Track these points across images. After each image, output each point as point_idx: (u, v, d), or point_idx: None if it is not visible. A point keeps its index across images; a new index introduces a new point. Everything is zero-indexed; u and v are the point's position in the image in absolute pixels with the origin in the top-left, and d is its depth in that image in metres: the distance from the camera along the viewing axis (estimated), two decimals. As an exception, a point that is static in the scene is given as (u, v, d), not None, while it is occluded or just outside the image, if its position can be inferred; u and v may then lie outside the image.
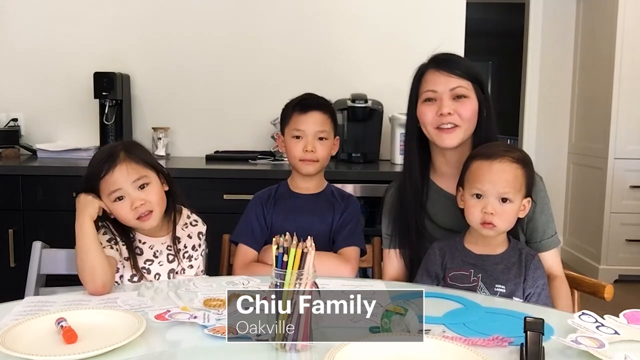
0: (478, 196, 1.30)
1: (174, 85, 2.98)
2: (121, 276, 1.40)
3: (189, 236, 1.48)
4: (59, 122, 3.00)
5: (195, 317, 1.08)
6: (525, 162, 1.34)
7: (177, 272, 1.45)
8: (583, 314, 1.05)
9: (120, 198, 1.35)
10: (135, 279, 1.40)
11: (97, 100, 2.83)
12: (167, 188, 1.44)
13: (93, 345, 0.92)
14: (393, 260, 1.53)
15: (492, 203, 1.29)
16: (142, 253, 1.42)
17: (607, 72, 3.82)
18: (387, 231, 1.55)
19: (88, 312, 1.08)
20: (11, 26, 2.96)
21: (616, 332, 1.01)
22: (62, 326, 0.99)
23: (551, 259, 1.43)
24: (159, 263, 1.43)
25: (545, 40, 4.47)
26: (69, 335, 0.96)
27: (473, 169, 1.33)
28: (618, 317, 1.07)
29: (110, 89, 2.78)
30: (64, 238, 1.43)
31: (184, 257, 1.46)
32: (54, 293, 1.36)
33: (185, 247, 1.46)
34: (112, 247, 1.37)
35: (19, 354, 0.89)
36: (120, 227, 1.41)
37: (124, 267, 1.40)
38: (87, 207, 1.31)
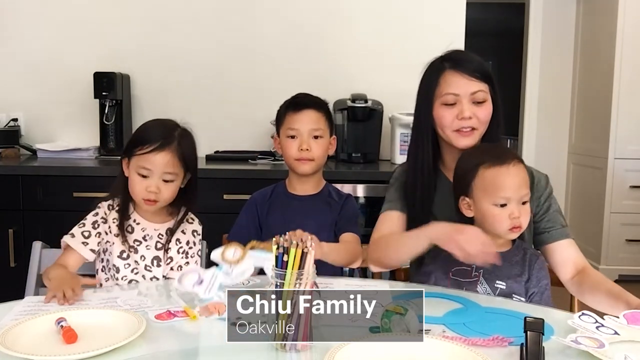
0: (502, 205, 1.29)
1: (174, 86, 2.98)
2: (110, 253, 1.44)
3: (183, 232, 1.50)
4: (59, 122, 3.00)
5: (201, 282, 1.08)
6: (521, 157, 1.36)
7: (162, 261, 1.46)
8: (583, 314, 1.05)
9: (144, 176, 1.41)
10: (125, 255, 1.44)
11: (97, 100, 2.83)
12: (182, 185, 1.49)
13: (93, 345, 0.92)
14: (394, 220, 1.46)
15: (517, 208, 1.29)
16: (132, 231, 1.46)
17: (607, 72, 3.82)
18: (393, 199, 1.49)
19: (88, 312, 1.08)
20: (11, 26, 2.96)
21: (616, 333, 1.01)
22: (62, 326, 0.99)
23: (571, 248, 1.41)
24: (146, 247, 1.46)
25: (545, 40, 4.47)
26: (69, 335, 0.96)
27: (488, 177, 1.30)
28: (618, 317, 1.07)
29: (110, 89, 2.77)
30: (64, 238, 1.43)
31: (178, 252, 1.48)
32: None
33: (179, 241, 1.49)
34: (87, 237, 1.42)
35: (19, 354, 0.89)
36: (127, 198, 1.47)
37: (113, 244, 1.44)
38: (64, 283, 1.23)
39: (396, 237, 1.40)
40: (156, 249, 1.47)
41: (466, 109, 1.39)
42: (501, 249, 1.34)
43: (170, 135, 1.44)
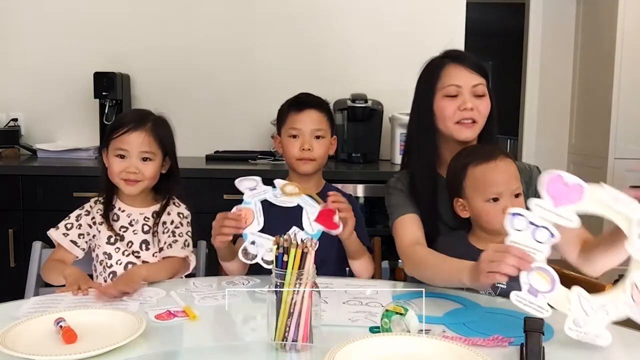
0: (495, 200, 1.30)
1: (174, 85, 2.98)
2: (98, 246, 1.48)
3: (168, 213, 1.52)
4: (59, 122, 3.00)
5: (253, 190, 1.35)
6: (509, 154, 1.36)
7: (151, 244, 1.48)
8: (514, 215, 1.02)
9: (122, 156, 1.45)
10: (113, 239, 1.46)
11: (97, 100, 2.83)
12: (164, 171, 1.53)
13: (92, 345, 0.92)
14: (414, 222, 1.42)
15: (510, 201, 1.29)
16: (118, 219, 1.49)
17: (607, 72, 3.82)
18: (400, 204, 1.46)
19: (88, 312, 1.09)
20: (11, 26, 2.96)
21: (552, 235, 1.01)
22: (61, 326, 0.99)
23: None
24: (133, 231, 1.49)
25: (545, 40, 4.47)
26: (69, 335, 0.96)
27: (477, 175, 1.32)
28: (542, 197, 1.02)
29: (110, 89, 2.77)
30: (64, 238, 1.44)
31: (164, 232, 1.50)
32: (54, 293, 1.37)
33: (164, 224, 1.51)
34: (69, 229, 1.48)
35: (19, 354, 0.89)
36: (110, 190, 1.51)
37: (99, 232, 1.47)
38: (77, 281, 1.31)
39: (435, 262, 1.29)
40: (143, 232, 1.49)
41: (468, 99, 1.41)
42: None
43: (144, 118, 1.50)
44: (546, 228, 1.01)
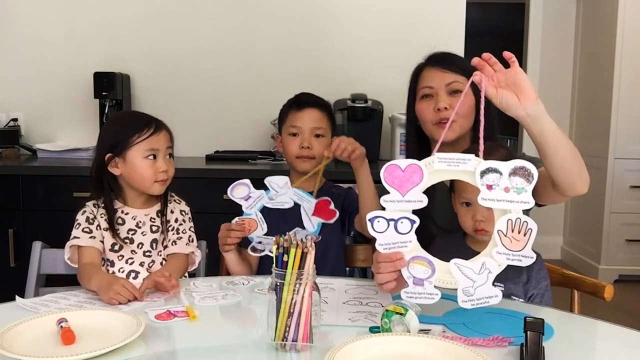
0: (467, 204, 1.28)
1: (174, 85, 2.98)
2: (103, 252, 1.45)
3: (172, 211, 1.52)
4: (59, 122, 3.00)
5: (248, 199, 1.43)
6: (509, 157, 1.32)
7: (159, 243, 1.48)
8: (371, 220, 1.04)
9: (155, 157, 1.45)
10: (117, 247, 1.45)
11: (97, 100, 2.83)
12: None
13: (91, 346, 0.92)
14: None
15: (481, 210, 1.24)
16: (124, 223, 1.47)
17: (607, 72, 3.82)
18: None
19: (88, 313, 1.09)
20: (11, 26, 2.96)
21: (412, 222, 1.04)
22: (62, 326, 0.99)
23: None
24: (142, 233, 1.47)
25: (545, 40, 4.47)
26: (67, 336, 0.96)
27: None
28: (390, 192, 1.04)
29: (110, 89, 2.78)
30: (64, 238, 1.43)
31: (169, 230, 1.50)
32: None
33: (168, 221, 1.51)
34: (90, 232, 1.42)
35: (15, 355, 0.89)
36: (108, 196, 1.47)
37: (103, 238, 1.45)
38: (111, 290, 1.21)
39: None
40: (152, 232, 1.48)
41: (442, 100, 1.43)
42: None
43: (152, 118, 1.49)
44: (405, 217, 1.04)
